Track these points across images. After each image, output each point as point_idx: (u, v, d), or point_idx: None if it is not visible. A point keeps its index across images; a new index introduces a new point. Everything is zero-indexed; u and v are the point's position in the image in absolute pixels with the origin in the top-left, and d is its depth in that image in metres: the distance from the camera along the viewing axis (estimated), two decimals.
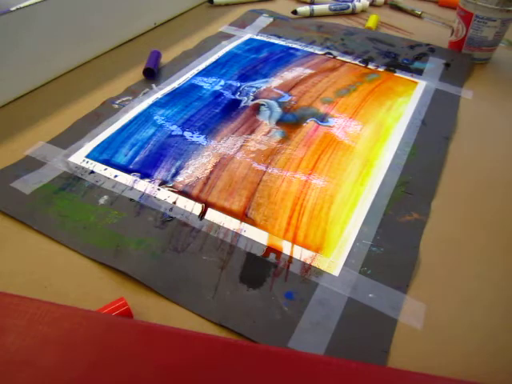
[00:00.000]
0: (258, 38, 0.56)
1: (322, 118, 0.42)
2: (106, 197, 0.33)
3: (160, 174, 0.35)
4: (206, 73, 0.48)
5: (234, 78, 0.48)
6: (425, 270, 0.29)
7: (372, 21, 0.61)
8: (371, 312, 0.26)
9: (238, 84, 0.47)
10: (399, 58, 0.53)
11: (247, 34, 0.57)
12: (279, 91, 0.46)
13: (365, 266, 0.29)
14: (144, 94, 0.45)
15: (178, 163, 0.36)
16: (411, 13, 0.65)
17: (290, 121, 0.42)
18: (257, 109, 0.43)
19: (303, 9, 0.63)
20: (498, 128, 0.43)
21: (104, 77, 0.47)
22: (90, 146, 0.38)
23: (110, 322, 0.22)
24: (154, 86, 0.46)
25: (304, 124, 0.41)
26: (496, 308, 0.27)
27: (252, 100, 0.44)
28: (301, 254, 0.29)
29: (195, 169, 0.36)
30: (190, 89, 0.46)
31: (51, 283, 0.27)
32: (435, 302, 0.27)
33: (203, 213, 0.32)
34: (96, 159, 0.36)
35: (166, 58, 0.51)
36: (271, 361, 0.21)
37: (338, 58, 0.52)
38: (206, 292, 0.27)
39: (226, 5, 0.65)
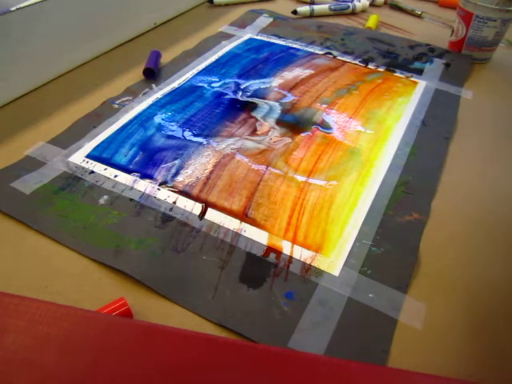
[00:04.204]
0: (258, 37, 0.56)
1: (322, 122, 0.42)
2: (106, 197, 0.33)
3: (160, 173, 0.35)
4: (206, 73, 0.48)
5: (234, 77, 0.48)
6: (425, 269, 0.29)
7: (372, 21, 0.61)
8: (371, 312, 0.26)
9: (238, 84, 0.47)
10: (399, 58, 0.53)
11: (247, 34, 0.57)
12: (280, 91, 0.46)
13: (365, 266, 0.29)
14: (144, 94, 0.45)
15: (178, 163, 0.36)
16: (411, 13, 0.65)
17: (290, 121, 0.42)
18: (257, 109, 0.43)
19: (303, 9, 0.63)
20: (497, 128, 0.43)
21: (104, 77, 0.47)
22: (89, 146, 0.38)
23: (109, 322, 0.22)
24: (154, 85, 0.46)
25: (307, 133, 0.41)
26: (496, 308, 0.27)
27: (252, 100, 0.44)
28: (301, 253, 0.29)
29: (195, 169, 0.36)
30: (190, 89, 0.46)
31: (51, 283, 0.27)
32: (435, 302, 0.27)
33: (203, 213, 0.32)
34: (96, 159, 0.36)
35: (166, 57, 0.51)
36: (271, 361, 0.21)
37: (338, 57, 0.52)
38: (206, 292, 0.27)
39: (226, 5, 0.65)
